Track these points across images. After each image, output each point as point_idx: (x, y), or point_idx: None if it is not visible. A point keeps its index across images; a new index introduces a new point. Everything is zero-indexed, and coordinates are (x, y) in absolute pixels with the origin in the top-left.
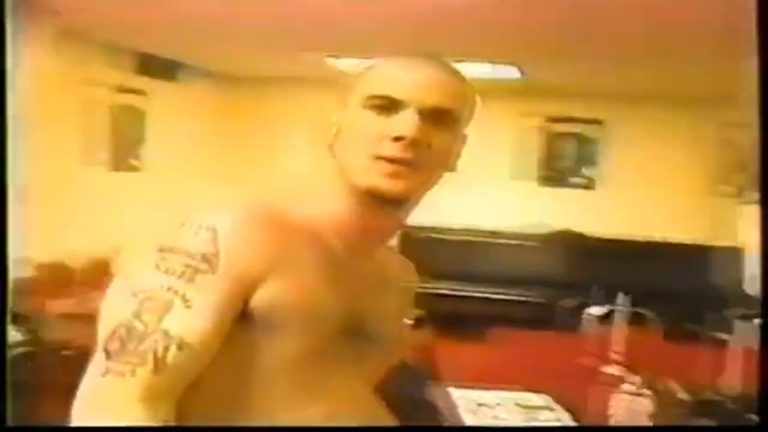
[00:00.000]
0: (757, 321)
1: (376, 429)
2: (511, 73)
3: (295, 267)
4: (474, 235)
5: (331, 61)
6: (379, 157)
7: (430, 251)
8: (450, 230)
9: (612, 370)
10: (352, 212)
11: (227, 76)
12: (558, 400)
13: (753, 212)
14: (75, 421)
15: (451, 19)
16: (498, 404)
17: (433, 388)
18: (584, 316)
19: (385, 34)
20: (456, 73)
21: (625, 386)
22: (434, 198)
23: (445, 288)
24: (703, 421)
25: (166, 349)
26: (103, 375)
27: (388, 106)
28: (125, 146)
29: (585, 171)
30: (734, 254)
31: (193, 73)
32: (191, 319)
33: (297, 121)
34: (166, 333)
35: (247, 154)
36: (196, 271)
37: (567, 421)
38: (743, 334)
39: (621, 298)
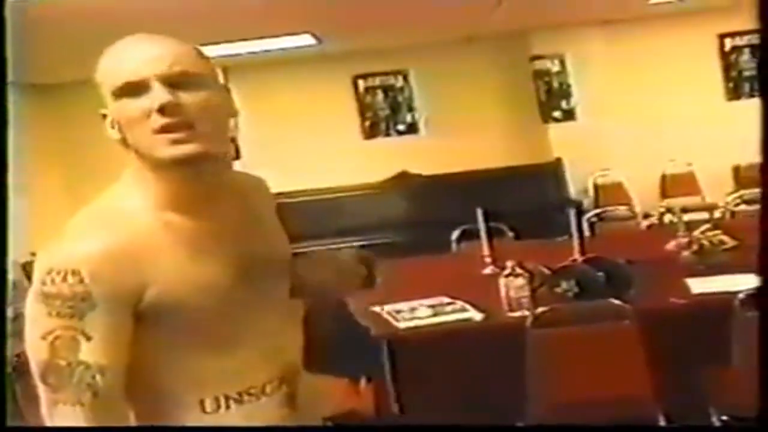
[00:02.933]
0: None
1: (376, 428)
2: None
3: (161, 266)
4: (329, 193)
5: None
6: (157, 132)
7: (294, 215)
8: (306, 192)
9: (487, 270)
10: (175, 187)
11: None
12: (456, 297)
13: (558, 128)
14: None
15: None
16: (413, 309)
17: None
18: (452, 239)
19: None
20: (169, 39)
21: (504, 273)
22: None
23: (319, 245)
24: (564, 285)
25: (93, 377)
26: (56, 405)
27: (135, 89)
28: None
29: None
30: (556, 166)
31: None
32: (96, 347)
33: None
34: (86, 365)
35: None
36: (80, 310)
37: (470, 309)
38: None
39: (479, 214)
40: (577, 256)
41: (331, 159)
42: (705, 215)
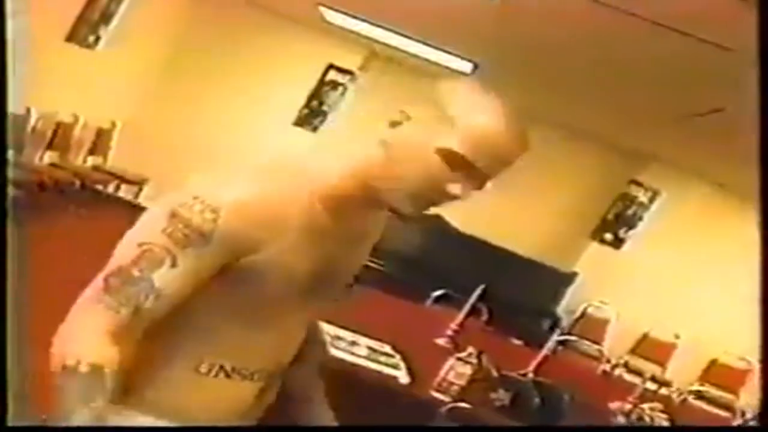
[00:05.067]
0: (556, 334)
1: (376, 428)
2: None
3: (280, 241)
4: None
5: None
6: (418, 196)
7: None
8: None
9: (443, 341)
10: (346, 200)
11: None
12: (399, 351)
13: (598, 249)
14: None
15: None
16: (353, 342)
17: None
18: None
19: None
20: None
21: (458, 354)
22: None
23: None
24: (500, 392)
25: (146, 297)
26: (98, 303)
27: (460, 164)
28: None
29: None
30: (569, 279)
31: None
32: (174, 277)
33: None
34: (152, 284)
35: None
36: (191, 241)
37: (403, 369)
38: (544, 339)
39: (478, 290)
40: (530, 370)
41: None
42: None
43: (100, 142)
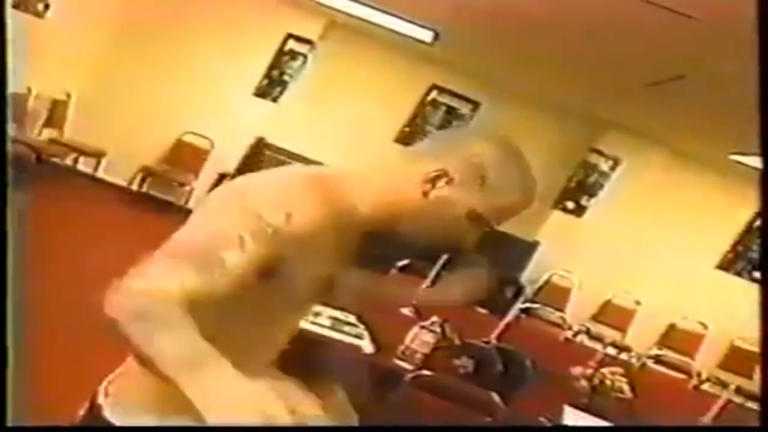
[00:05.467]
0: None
1: (377, 429)
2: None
3: (321, 248)
4: None
5: None
6: (432, 239)
7: None
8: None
9: (408, 311)
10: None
11: None
12: (363, 321)
13: (558, 217)
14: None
15: None
16: (317, 313)
17: None
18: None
19: None
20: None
21: (421, 323)
22: None
23: None
24: (463, 359)
25: (216, 271)
26: (174, 268)
27: (478, 221)
28: None
29: None
30: (531, 248)
31: None
32: (242, 258)
33: None
34: (222, 261)
35: None
36: (264, 233)
37: (366, 338)
38: (507, 308)
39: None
40: (493, 337)
41: (354, 145)
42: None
43: (55, 114)
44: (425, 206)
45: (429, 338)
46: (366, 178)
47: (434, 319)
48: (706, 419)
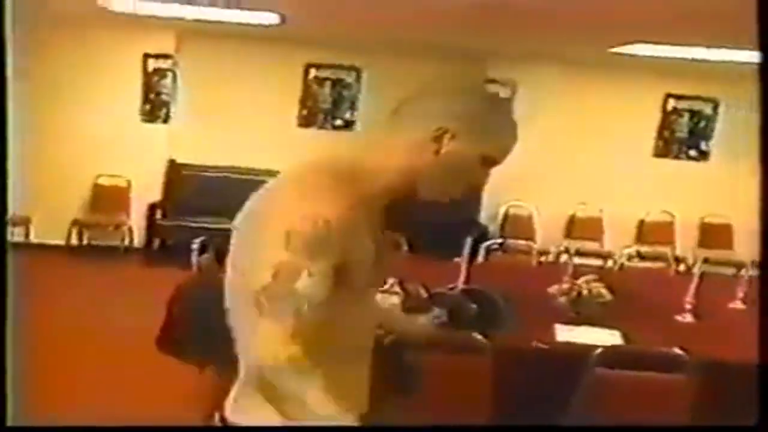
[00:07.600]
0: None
1: (377, 429)
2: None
3: (359, 239)
4: (249, 174)
5: None
6: (453, 190)
7: (213, 189)
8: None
9: None
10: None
11: None
12: None
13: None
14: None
15: None
16: None
17: None
18: None
19: None
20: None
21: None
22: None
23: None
24: (436, 311)
25: (302, 304)
26: (257, 325)
27: (491, 164)
28: None
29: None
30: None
31: None
32: (314, 284)
33: None
34: (297, 294)
35: None
36: (315, 251)
37: None
38: (475, 250)
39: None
40: (459, 282)
41: (261, 140)
42: (599, 262)
43: None
44: (438, 162)
45: (393, 300)
46: (373, 156)
47: (391, 281)
48: (688, 297)
